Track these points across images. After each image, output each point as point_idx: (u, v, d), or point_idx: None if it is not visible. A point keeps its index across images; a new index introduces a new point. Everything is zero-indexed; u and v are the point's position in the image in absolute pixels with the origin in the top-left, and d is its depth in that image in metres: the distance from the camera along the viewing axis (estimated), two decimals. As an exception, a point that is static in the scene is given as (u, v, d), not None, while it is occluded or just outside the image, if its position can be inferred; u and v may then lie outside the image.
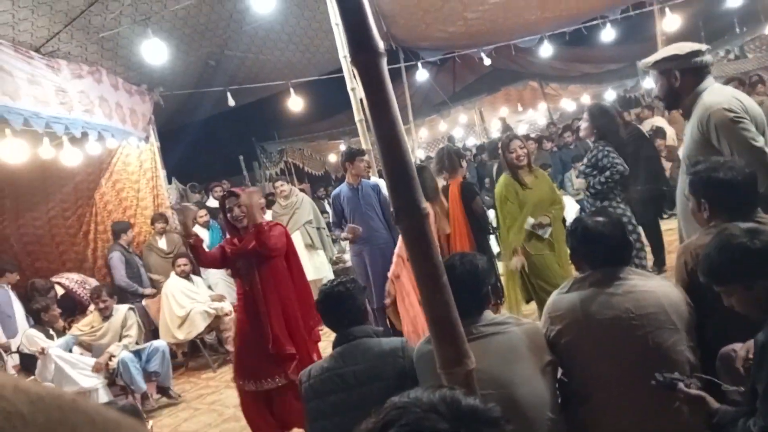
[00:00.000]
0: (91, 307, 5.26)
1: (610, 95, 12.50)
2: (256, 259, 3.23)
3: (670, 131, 8.46)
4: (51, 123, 4.56)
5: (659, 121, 8.86)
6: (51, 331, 4.84)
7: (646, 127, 8.76)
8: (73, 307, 5.92)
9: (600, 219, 2.08)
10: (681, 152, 2.91)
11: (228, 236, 3.49)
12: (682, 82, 2.62)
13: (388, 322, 4.28)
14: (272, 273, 3.27)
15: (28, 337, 4.69)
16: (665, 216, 7.36)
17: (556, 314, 2.05)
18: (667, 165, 7.79)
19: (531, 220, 3.92)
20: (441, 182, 4.88)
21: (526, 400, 1.87)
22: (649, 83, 9.58)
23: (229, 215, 3.33)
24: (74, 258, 6.51)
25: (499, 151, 4.19)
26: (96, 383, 4.54)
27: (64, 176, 6.47)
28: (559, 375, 2.07)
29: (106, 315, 4.96)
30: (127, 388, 4.73)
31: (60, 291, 5.97)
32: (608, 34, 8.84)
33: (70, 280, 6.08)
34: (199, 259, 3.45)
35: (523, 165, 3.98)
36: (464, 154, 5.26)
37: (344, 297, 2.22)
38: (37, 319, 4.94)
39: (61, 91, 4.72)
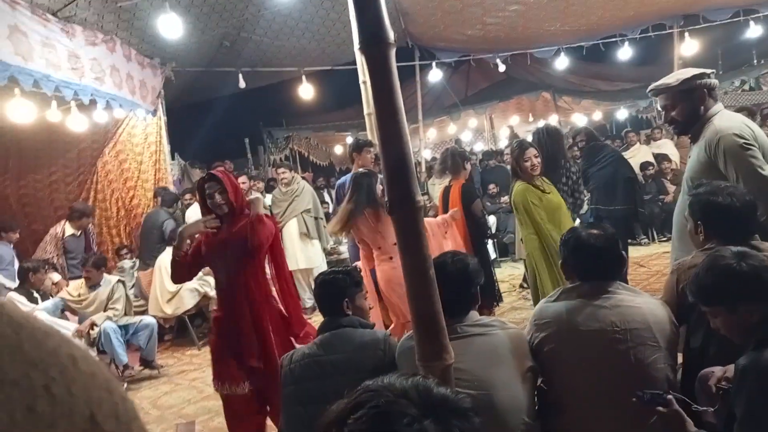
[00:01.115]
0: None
1: (622, 114, 12.48)
2: (238, 253, 2.87)
3: (676, 155, 8.46)
4: (61, 87, 4.57)
5: (668, 143, 8.86)
6: (35, 294, 4.83)
7: (654, 149, 8.77)
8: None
9: (594, 232, 2.08)
10: (684, 176, 2.92)
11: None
12: (692, 106, 2.62)
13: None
14: (253, 270, 2.94)
15: (11, 300, 4.66)
16: (636, 240, 7.42)
17: (541, 322, 2.06)
18: (671, 188, 7.81)
19: None
20: (444, 182, 4.89)
21: (504, 403, 1.88)
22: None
23: (209, 202, 2.91)
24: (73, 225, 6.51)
25: (512, 158, 4.09)
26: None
27: (69, 141, 6.48)
28: (538, 383, 2.08)
29: (91, 285, 4.95)
30: (108, 358, 4.74)
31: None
32: (625, 53, 8.83)
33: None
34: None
35: (536, 174, 3.92)
36: (469, 157, 5.25)
37: (337, 286, 2.24)
38: (24, 279, 4.88)
39: (73, 56, 4.73)
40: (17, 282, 5.02)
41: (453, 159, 4.70)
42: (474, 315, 2.02)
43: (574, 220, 4.22)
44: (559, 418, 1.99)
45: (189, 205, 6.37)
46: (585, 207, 5.23)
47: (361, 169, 4.04)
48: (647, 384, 1.80)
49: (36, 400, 0.24)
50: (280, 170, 6.63)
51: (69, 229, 5.90)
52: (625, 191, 5.22)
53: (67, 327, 4.61)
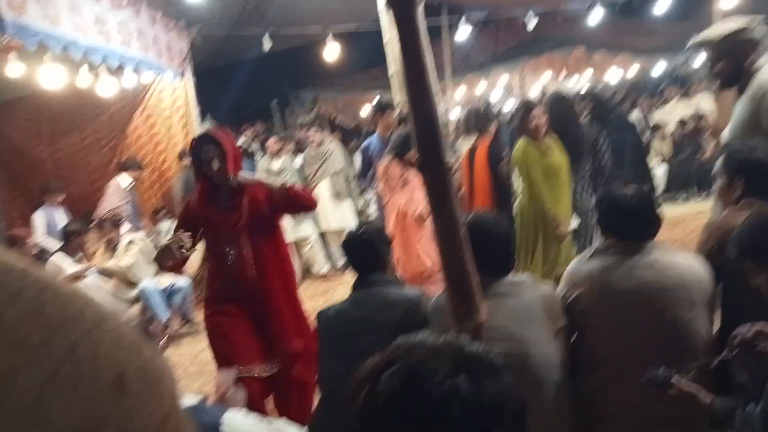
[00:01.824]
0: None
1: (659, 68, 12.02)
2: (259, 225, 2.61)
3: (714, 111, 8.15)
4: (89, 52, 4.60)
5: (706, 99, 8.53)
6: (77, 256, 4.89)
7: (691, 105, 8.46)
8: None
9: (629, 192, 2.04)
10: (724, 132, 2.81)
11: (198, 194, 2.68)
12: (738, 60, 2.51)
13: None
14: (276, 241, 2.70)
15: (54, 263, 4.66)
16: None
17: (574, 281, 2.04)
18: (709, 144, 7.57)
19: (574, 223, 3.80)
20: (469, 143, 4.81)
21: (537, 361, 1.89)
22: (700, 60, 9.18)
23: (204, 167, 2.56)
24: (105, 188, 6.66)
25: (516, 119, 4.03)
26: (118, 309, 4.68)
27: (99, 106, 6.56)
28: (570, 342, 2.08)
29: (113, 246, 4.99)
30: (148, 315, 4.88)
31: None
32: (661, 7, 8.43)
33: None
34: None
35: (541, 135, 3.81)
36: (494, 114, 5.13)
37: (368, 244, 2.25)
38: (66, 241, 4.94)
39: (100, 20, 4.74)
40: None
41: (477, 118, 4.60)
42: (509, 276, 2.01)
43: (591, 192, 4.09)
44: (590, 378, 1.99)
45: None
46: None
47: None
48: (683, 343, 1.78)
49: (60, 364, 0.24)
50: (310, 132, 6.61)
51: (125, 181, 6.03)
52: (633, 158, 5.10)
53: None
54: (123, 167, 6.10)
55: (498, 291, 1.95)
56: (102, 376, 0.26)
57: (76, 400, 0.24)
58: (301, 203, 2.66)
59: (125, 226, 5.57)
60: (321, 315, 2.24)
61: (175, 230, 2.62)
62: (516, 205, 3.91)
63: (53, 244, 5.21)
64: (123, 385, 0.26)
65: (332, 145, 6.51)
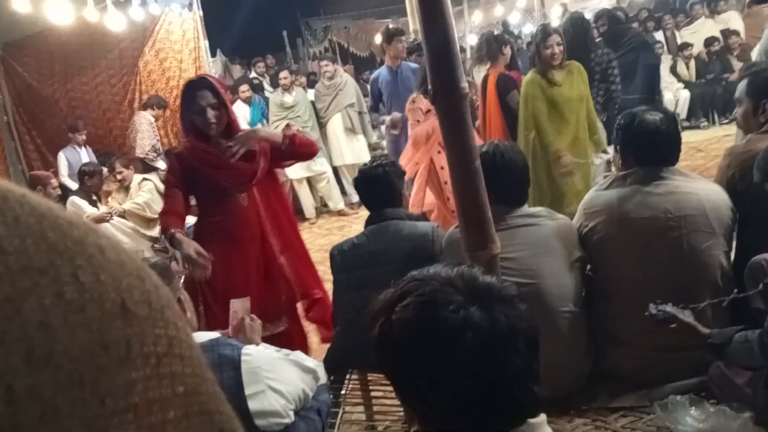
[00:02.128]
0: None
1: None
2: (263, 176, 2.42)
3: (743, 29, 7.75)
4: (94, -16, 4.48)
5: (735, 16, 8.09)
6: (93, 197, 4.90)
7: (720, 23, 8.04)
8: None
9: (657, 115, 1.97)
10: (755, 50, 2.67)
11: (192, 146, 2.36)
12: None
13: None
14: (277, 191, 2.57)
15: (73, 204, 4.67)
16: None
17: (591, 210, 2.02)
18: (737, 66, 7.26)
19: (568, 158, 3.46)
20: (483, 72, 4.66)
21: (551, 291, 1.90)
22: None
23: (196, 118, 2.26)
24: (120, 126, 6.65)
25: (533, 44, 3.77)
26: (141, 247, 4.76)
27: (109, 41, 6.45)
28: (587, 270, 2.09)
29: (125, 185, 4.97)
30: (169, 253, 4.96)
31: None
32: None
33: None
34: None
35: (556, 63, 3.58)
36: (508, 40, 4.91)
37: (381, 179, 2.22)
38: (81, 182, 4.91)
39: (102, -51, 4.58)
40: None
41: (488, 45, 4.41)
42: (524, 207, 2.00)
43: (603, 119, 3.93)
44: (605, 303, 2.02)
45: (232, 102, 6.37)
46: None
47: None
48: (701, 270, 1.78)
49: (64, 287, 0.24)
50: (323, 63, 6.45)
51: (150, 117, 6.04)
52: (644, 78, 4.91)
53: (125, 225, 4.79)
54: (146, 105, 6.08)
55: (513, 222, 1.94)
56: (107, 299, 0.25)
57: (82, 323, 0.24)
58: (305, 151, 2.50)
59: (161, 163, 5.61)
60: (336, 249, 2.26)
61: (167, 188, 2.41)
62: (520, 137, 3.71)
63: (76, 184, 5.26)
64: (128, 310, 0.26)
65: (345, 78, 6.36)
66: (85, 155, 5.75)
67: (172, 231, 2.22)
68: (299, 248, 2.59)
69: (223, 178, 2.34)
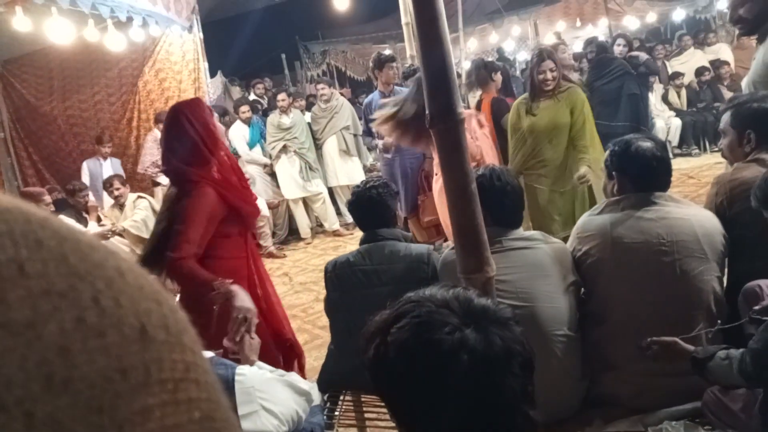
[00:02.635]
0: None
1: (678, 15, 11.60)
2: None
3: (732, 60, 7.91)
4: (97, 4, 4.53)
5: (724, 48, 8.26)
6: (84, 214, 4.87)
7: (709, 54, 8.20)
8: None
9: (650, 142, 2.02)
10: (744, 81, 2.72)
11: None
12: (762, 3, 2.41)
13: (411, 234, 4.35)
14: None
15: (54, 215, 4.72)
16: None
17: (584, 235, 2.04)
18: (727, 95, 7.38)
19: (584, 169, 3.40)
20: (476, 98, 4.74)
21: (545, 314, 1.91)
22: (723, 4, 8.83)
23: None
24: (117, 143, 6.67)
25: (529, 67, 3.78)
26: None
27: (109, 60, 6.51)
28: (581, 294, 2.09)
29: (121, 203, 4.98)
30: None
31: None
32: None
33: None
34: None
35: (548, 90, 3.53)
36: (499, 66, 5.01)
37: (375, 200, 2.25)
38: (72, 198, 4.90)
39: (106, -29, 4.64)
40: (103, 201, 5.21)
41: (478, 72, 4.51)
42: (519, 230, 2.02)
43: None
44: (599, 329, 2.02)
45: (231, 122, 6.40)
46: None
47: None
48: (694, 295, 1.79)
49: (84, 312, 0.24)
50: (320, 86, 6.54)
51: (157, 133, 6.05)
52: (628, 107, 5.01)
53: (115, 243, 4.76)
54: (157, 120, 6.13)
55: (508, 245, 1.96)
56: (126, 324, 0.25)
57: (101, 348, 0.24)
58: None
59: (163, 178, 5.66)
60: (330, 264, 2.26)
61: (206, 221, 2.11)
62: (510, 160, 3.78)
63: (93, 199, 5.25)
64: (147, 334, 0.26)
65: (341, 101, 6.44)
66: (109, 167, 5.81)
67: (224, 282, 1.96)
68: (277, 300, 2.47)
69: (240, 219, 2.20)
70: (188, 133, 2.09)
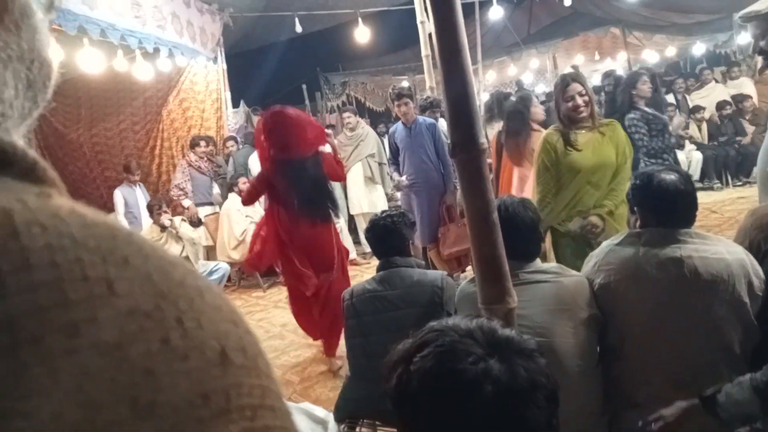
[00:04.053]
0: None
1: (698, 49, 11.61)
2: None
3: (755, 94, 7.86)
4: (126, 35, 4.68)
5: (747, 82, 8.22)
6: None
7: (731, 88, 8.17)
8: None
9: (674, 175, 1.97)
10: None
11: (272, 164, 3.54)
12: None
13: (429, 263, 4.35)
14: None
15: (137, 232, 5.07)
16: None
17: (606, 266, 2.00)
18: (749, 129, 7.33)
19: (577, 223, 2.91)
20: (495, 129, 4.76)
21: (563, 348, 1.87)
22: (744, 38, 8.83)
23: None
24: (140, 171, 6.81)
25: (554, 96, 3.21)
26: None
27: (135, 90, 6.69)
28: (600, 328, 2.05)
29: (164, 226, 5.13)
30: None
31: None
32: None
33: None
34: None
35: (581, 118, 2.96)
36: (527, 98, 5.03)
37: (390, 229, 2.33)
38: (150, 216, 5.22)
39: (136, 4, 4.81)
40: (141, 226, 5.41)
41: (499, 105, 4.55)
42: (537, 262, 2.00)
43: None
44: (618, 364, 1.97)
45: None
46: None
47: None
48: (718, 337, 1.74)
49: (169, 333, 0.23)
50: (345, 114, 6.63)
51: (193, 157, 6.25)
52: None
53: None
54: (192, 145, 6.35)
55: (525, 278, 1.94)
56: (207, 347, 0.24)
57: (185, 372, 0.23)
58: (338, 171, 3.67)
59: (186, 201, 5.87)
60: (347, 293, 2.31)
61: (257, 185, 3.67)
62: (534, 193, 3.22)
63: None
64: (226, 358, 0.25)
65: (366, 129, 6.51)
66: (140, 194, 5.96)
67: None
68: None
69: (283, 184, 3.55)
70: None
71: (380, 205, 6.32)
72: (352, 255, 6.31)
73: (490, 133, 5.08)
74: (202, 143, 6.22)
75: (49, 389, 0.20)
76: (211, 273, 5.18)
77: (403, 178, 4.73)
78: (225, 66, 6.80)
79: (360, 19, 7.81)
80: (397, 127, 4.88)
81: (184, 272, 0.26)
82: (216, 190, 6.37)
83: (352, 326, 2.22)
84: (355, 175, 6.31)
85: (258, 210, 6.04)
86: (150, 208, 5.27)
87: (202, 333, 0.25)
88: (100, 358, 0.21)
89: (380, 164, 6.38)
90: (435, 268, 4.16)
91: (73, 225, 0.23)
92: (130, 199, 5.82)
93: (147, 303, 0.23)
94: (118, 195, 5.88)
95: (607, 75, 5.56)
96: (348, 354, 2.27)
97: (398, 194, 6.49)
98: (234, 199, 5.89)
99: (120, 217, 5.65)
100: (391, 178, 6.68)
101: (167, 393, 0.22)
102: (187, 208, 5.90)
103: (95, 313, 0.22)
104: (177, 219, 5.31)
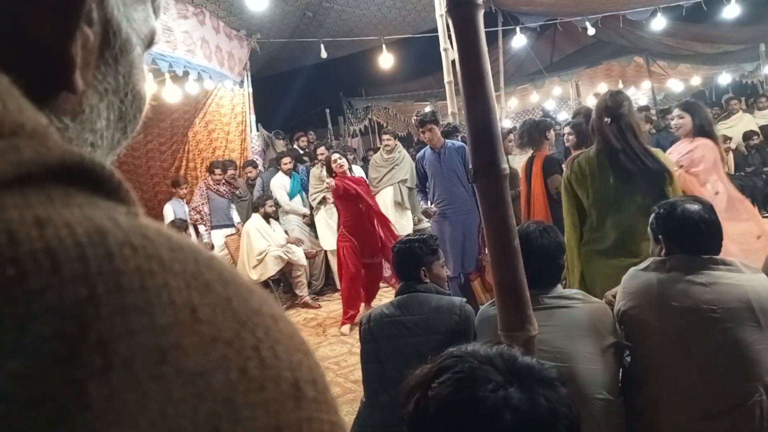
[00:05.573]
0: None
1: (724, 79, 11.52)
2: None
3: (784, 124, 7.75)
4: (157, 59, 4.81)
5: (775, 111, 8.12)
6: None
7: (759, 118, 8.06)
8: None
9: (698, 204, 1.97)
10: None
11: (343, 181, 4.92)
12: None
13: (471, 294, 4.17)
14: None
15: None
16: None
17: (630, 291, 1.98)
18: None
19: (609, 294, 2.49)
20: (524, 157, 4.73)
21: (584, 376, 1.84)
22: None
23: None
24: (165, 191, 6.92)
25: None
26: None
27: (163, 112, 6.84)
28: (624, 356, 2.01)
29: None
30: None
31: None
32: (732, 11, 8.08)
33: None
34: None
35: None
36: (550, 124, 4.92)
37: (409, 254, 2.33)
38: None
39: (167, 29, 4.95)
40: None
41: (530, 132, 4.51)
42: (558, 288, 1.98)
43: None
44: (642, 394, 1.93)
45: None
46: None
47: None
48: (743, 365, 1.69)
49: (247, 362, 0.23)
50: (385, 136, 6.58)
51: (212, 180, 6.35)
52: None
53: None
54: (211, 169, 6.44)
55: (546, 303, 1.91)
56: (283, 378, 0.24)
57: (262, 403, 0.23)
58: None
59: (201, 227, 5.98)
60: (365, 317, 2.29)
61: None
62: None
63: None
64: (300, 389, 0.24)
65: (403, 153, 6.48)
66: (180, 209, 6.14)
67: None
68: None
69: (354, 197, 5.05)
70: None
71: (409, 230, 6.28)
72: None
73: (521, 159, 5.05)
74: (217, 171, 6.27)
75: (136, 416, 0.20)
76: None
77: (432, 206, 4.62)
78: (251, 90, 6.93)
79: (384, 46, 7.93)
80: (426, 152, 4.71)
81: (261, 299, 0.26)
82: (234, 212, 6.43)
83: (368, 351, 2.20)
84: (385, 197, 6.27)
85: (276, 233, 6.09)
86: (176, 228, 5.35)
87: (278, 363, 0.24)
88: (184, 386, 0.21)
89: (411, 189, 6.34)
90: (476, 299, 3.94)
91: (161, 247, 0.23)
92: (179, 213, 5.95)
93: (227, 330, 0.23)
94: (169, 209, 6.00)
95: (578, 112, 5.43)
96: (363, 380, 2.24)
97: (425, 221, 6.48)
98: (256, 218, 5.96)
99: None
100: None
101: (245, 425, 0.22)
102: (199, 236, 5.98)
103: (181, 339, 0.22)
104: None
